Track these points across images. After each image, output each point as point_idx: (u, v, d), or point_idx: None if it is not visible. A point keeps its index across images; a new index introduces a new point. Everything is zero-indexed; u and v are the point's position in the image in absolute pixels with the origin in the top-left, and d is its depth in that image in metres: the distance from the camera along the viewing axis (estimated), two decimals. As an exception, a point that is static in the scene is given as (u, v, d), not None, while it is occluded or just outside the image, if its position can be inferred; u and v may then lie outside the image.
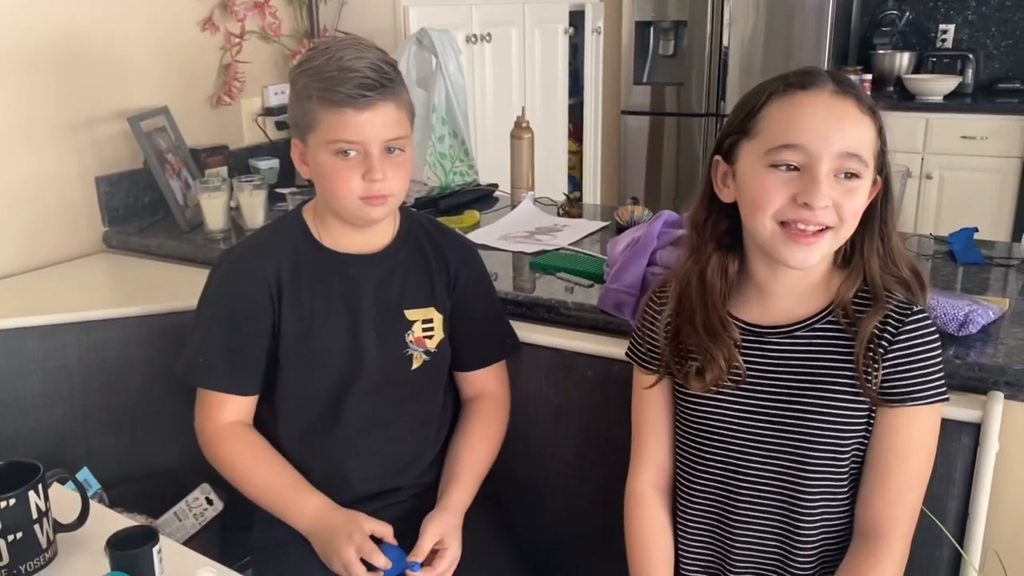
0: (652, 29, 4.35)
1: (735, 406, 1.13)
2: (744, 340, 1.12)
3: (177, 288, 1.80)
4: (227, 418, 1.36)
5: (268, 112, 2.47)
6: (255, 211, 2.02)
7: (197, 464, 1.44)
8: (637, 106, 4.41)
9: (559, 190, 2.52)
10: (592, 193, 4.06)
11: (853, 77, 1.13)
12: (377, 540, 1.27)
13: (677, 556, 1.21)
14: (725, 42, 4.14)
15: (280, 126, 2.50)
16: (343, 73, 1.22)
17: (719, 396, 1.13)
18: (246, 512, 1.43)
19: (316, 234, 1.36)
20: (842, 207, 1.01)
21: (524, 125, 2.12)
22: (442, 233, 1.47)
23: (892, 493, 1.06)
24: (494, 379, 1.48)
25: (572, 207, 2.09)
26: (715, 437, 1.15)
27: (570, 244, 1.85)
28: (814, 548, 1.12)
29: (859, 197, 1.02)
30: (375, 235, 1.37)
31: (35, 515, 1.07)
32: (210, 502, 1.66)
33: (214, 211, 2.01)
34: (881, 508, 1.07)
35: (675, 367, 1.16)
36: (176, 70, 2.24)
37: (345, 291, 1.35)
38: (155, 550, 1.01)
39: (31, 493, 1.06)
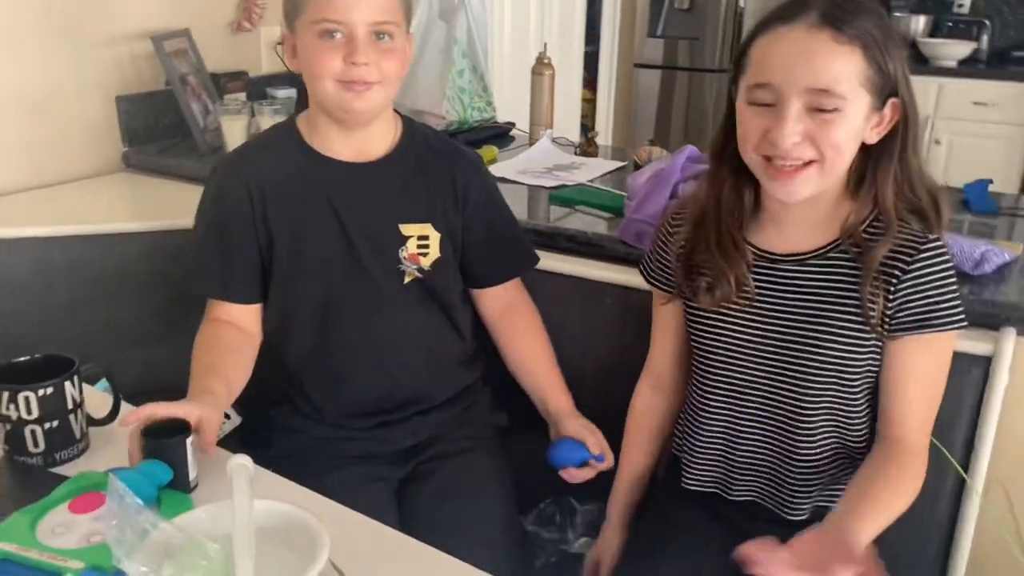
0: (668, -19, 4.31)
1: (743, 326, 1.16)
2: (756, 264, 1.14)
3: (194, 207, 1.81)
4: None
5: (287, 41, 2.45)
6: (275, 136, 2.02)
7: None
8: (650, 60, 4.38)
9: (573, 136, 2.52)
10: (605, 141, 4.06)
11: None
12: (563, 438, 1.36)
13: (685, 467, 1.26)
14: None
15: (298, 56, 2.48)
16: None
17: (728, 315, 1.16)
18: (264, 426, 1.46)
19: (308, 140, 1.32)
20: (818, 140, 1.01)
21: (545, 62, 2.12)
22: (447, 146, 1.40)
23: (914, 417, 1.09)
24: (519, 291, 1.47)
25: (590, 146, 2.10)
26: (723, 354, 1.18)
27: (589, 180, 1.86)
28: (811, 472, 1.16)
29: (839, 128, 1.01)
30: (369, 141, 1.32)
31: (70, 405, 1.10)
32: (227, 416, 1.69)
33: (234, 133, 2.01)
34: (902, 429, 1.10)
35: (686, 285, 1.19)
36: (197, -8, 2.23)
37: (337, 200, 1.31)
38: (188, 441, 1.04)
39: (67, 384, 1.09)
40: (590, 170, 1.94)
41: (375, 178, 1.32)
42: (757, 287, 1.14)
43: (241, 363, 1.31)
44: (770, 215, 1.15)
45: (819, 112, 1.00)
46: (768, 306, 1.14)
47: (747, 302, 1.14)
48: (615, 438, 1.35)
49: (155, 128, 2.15)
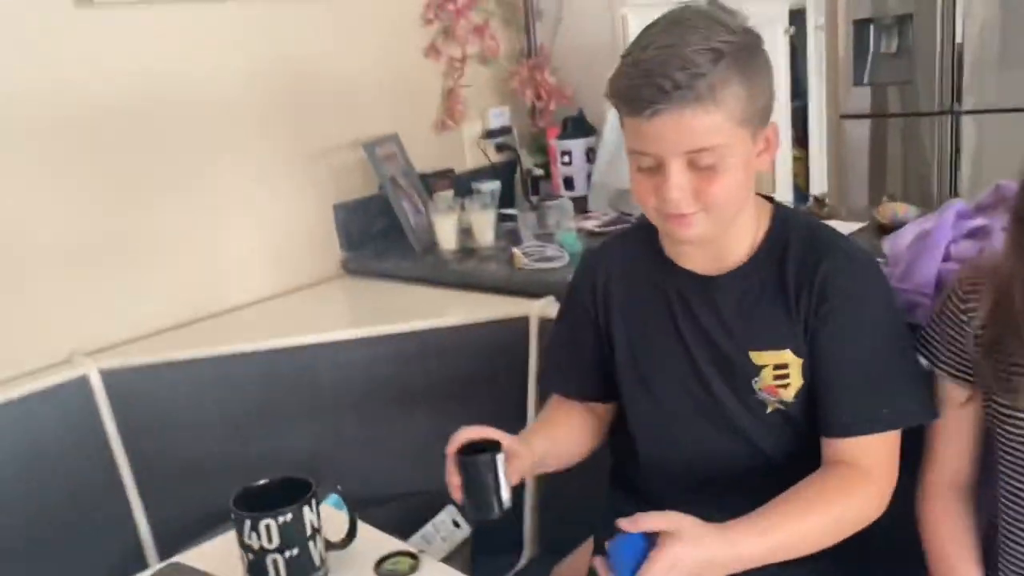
0: (872, 27, 4.05)
1: None
2: None
3: (416, 308, 1.80)
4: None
5: (489, 135, 2.46)
6: (485, 229, 2.01)
7: (442, 485, 1.40)
8: (857, 109, 4.11)
9: (787, 198, 2.34)
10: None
11: None
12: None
13: None
14: (958, 36, 3.78)
15: (500, 148, 2.49)
16: (636, 69, 0.98)
17: None
18: (498, 535, 1.38)
19: (663, 241, 1.15)
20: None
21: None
22: (820, 243, 1.08)
23: None
24: (861, 451, 1.04)
25: (820, 208, 1.92)
26: None
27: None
28: None
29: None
30: (721, 249, 1.09)
31: (309, 531, 1.05)
32: (456, 524, 1.62)
33: (446, 231, 2.01)
34: None
35: (998, 383, 0.97)
36: (402, 97, 2.28)
37: (682, 313, 1.13)
38: (499, 458, 1.03)
39: (305, 509, 1.05)
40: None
41: (722, 294, 1.10)
42: None
43: (573, 435, 1.23)
44: None
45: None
46: None
47: None
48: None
49: (369, 232, 2.19)
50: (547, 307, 1.69)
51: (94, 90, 1.71)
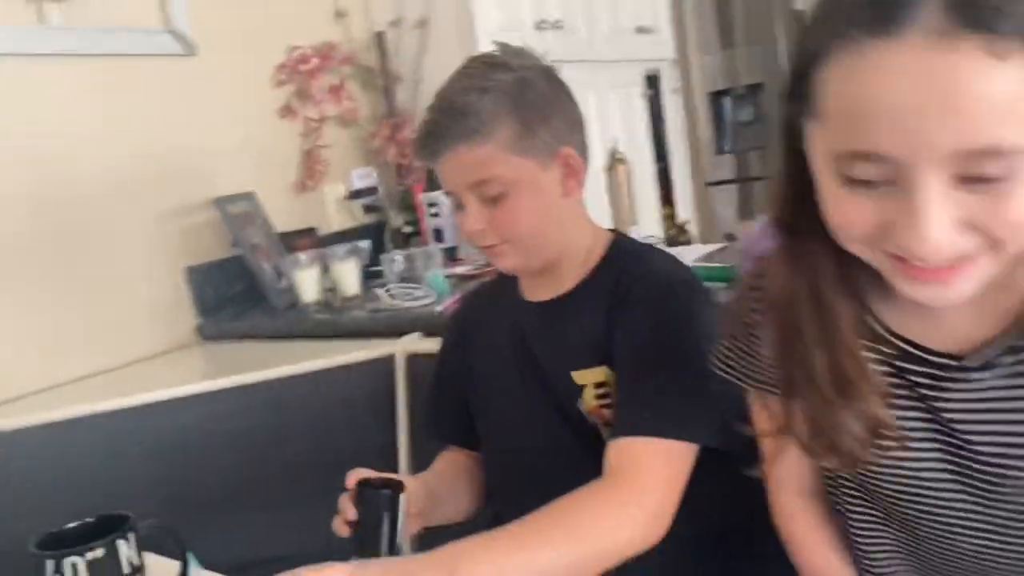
0: (727, 98, 4.27)
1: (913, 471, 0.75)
2: (905, 368, 0.73)
3: (273, 360, 1.67)
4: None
5: (355, 195, 2.40)
6: (349, 279, 1.91)
7: (311, 548, 1.27)
8: (721, 176, 4.28)
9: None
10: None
11: None
12: None
13: None
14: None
15: (367, 209, 2.43)
16: (423, 121, 1.05)
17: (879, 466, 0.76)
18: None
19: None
20: (986, 226, 0.58)
21: (619, 157, 1.99)
22: (640, 261, 1.09)
23: None
24: (629, 459, 0.96)
25: (681, 235, 1.92)
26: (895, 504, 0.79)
27: (694, 260, 1.67)
28: None
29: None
30: (554, 277, 1.11)
31: (127, 570, 0.91)
32: None
33: (308, 285, 1.91)
34: None
35: (812, 443, 0.76)
36: (259, 158, 2.19)
37: (519, 341, 1.13)
38: (402, 496, 0.95)
39: (121, 544, 0.91)
40: (692, 252, 1.75)
41: (551, 317, 1.11)
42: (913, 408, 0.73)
43: (459, 485, 1.20)
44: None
45: (976, 185, 0.57)
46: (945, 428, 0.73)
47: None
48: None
49: (227, 294, 2.06)
50: (414, 343, 1.60)
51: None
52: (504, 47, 1.08)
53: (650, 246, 1.19)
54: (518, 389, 1.13)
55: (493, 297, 1.24)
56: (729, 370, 0.87)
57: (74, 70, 1.84)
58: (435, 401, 1.28)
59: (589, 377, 1.05)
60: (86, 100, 1.86)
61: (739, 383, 0.86)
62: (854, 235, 0.64)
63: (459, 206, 1.07)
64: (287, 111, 2.27)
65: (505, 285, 1.20)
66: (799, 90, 0.63)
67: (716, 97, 4.23)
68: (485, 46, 2.31)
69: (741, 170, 4.22)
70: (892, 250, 0.62)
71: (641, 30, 3.20)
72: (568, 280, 1.11)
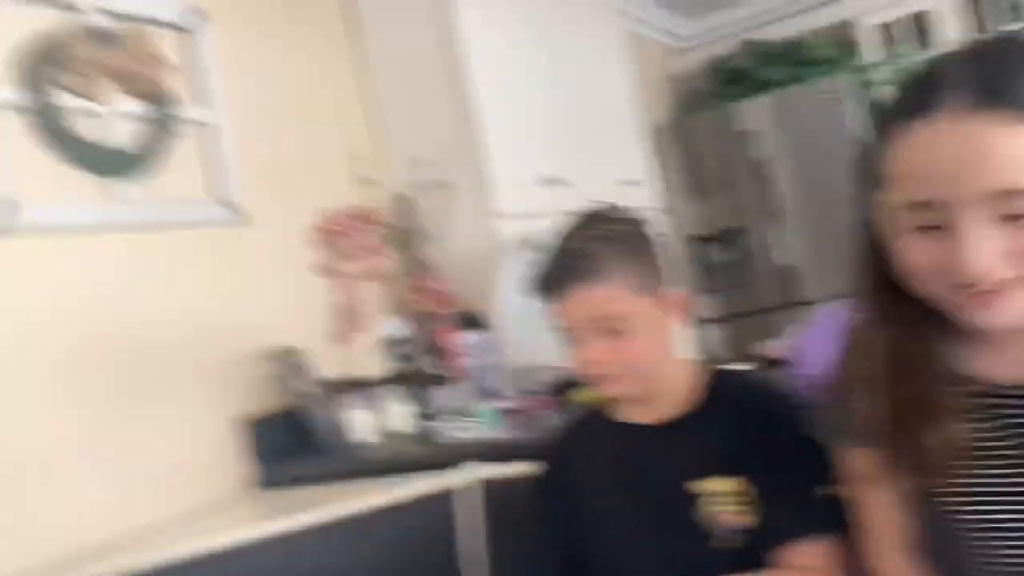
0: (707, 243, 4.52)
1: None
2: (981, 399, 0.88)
3: (332, 500, 1.72)
4: None
5: (387, 344, 2.53)
6: (402, 418, 2.02)
7: None
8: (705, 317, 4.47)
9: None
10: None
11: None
12: None
13: None
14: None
15: (401, 358, 2.55)
16: (543, 264, 1.22)
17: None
18: None
19: (610, 404, 1.30)
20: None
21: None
22: (756, 399, 1.23)
23: None
24: (793, 555, 1.12)
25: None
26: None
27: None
28: None
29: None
30: (658, 400, 1.24)
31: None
32: None
33: (362, 425, 2.01)
34: None
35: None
36: (302, 311, 2.35)
37: (616, 461, 1.26)
38: None
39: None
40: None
41: (658, 438, 1.23)
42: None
43: None
44: (982, 334, 0.87)
45: (1013, 220, 0.77)
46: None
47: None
48: None
49: (282, 446, 2.12)
50: (471, 473, 1.68)
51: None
52: (603, 203, 1.27)
53: (753, 373, 1.38)
54: (628, 505, 1.23)
55: (584, 434, 1.34)
56: (831, 432, 1.03)
57: (140, 240, 1.99)
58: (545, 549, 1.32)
59: (713, 487, 1.17)
60: (149, 269, 2.00)
61: (839, 441, 1.01)
62: (922, 275, 0.83)
63: (579, 340, 1.19)
64: (325, 269, 2.44)
65: (590, 422, 1.33)
66: (870, 169, 0.86)
67: (696, 241, 4.49)
68: (503, 202, 2.54)
69: (723, 309, 4.43)
70: (951, 282, 0.80)
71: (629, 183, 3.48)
72: (672, 401, 1.23)
